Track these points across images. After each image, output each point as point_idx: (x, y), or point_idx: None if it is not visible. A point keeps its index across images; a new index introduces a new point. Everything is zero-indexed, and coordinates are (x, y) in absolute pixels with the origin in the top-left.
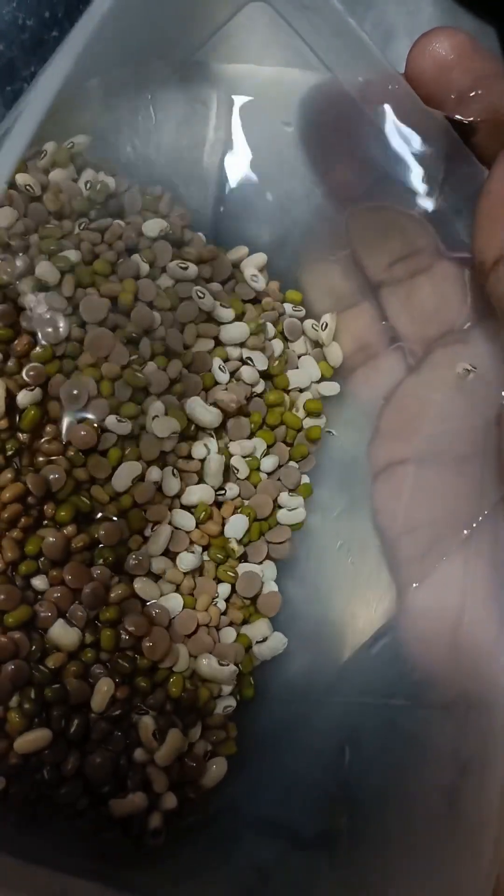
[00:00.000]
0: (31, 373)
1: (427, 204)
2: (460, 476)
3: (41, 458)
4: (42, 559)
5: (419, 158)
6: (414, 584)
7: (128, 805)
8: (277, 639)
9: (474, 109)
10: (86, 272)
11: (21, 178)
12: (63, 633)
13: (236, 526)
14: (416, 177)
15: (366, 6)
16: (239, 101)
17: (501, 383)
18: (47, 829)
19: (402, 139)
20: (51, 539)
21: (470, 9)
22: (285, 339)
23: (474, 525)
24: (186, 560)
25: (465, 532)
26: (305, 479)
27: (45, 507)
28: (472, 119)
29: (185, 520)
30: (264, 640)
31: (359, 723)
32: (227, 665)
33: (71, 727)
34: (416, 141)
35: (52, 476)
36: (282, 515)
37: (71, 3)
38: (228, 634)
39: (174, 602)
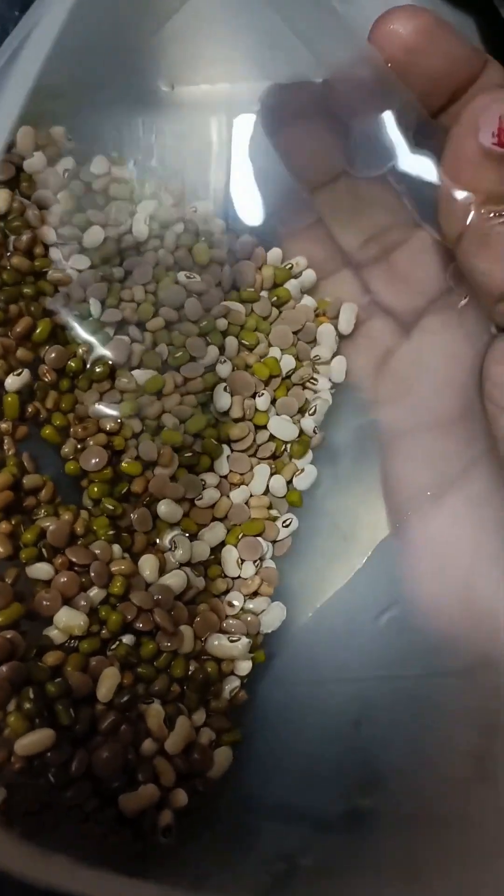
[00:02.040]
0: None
1: (397, 179)
2: (452, 435)
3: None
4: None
5: (387, 136)
6: (419, 547)
7: (139, 799)
8: (277, 609)
9: (442, 91)
10: None
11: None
12: (71, 617)
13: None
14: (385, 155)
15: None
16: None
17: (486, 342)
18: (55, 838)
19: (370, 117)
20: (52, 526)
21: (450, 1)
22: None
23: (468, 478)
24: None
25: (465, 490)
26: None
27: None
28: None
29: None
30: (263, 612)
31: (372, 697)
32: (239, 639)
33: (77, 722)
34: (385, 118)
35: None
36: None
37: None
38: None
39: (178, 580)
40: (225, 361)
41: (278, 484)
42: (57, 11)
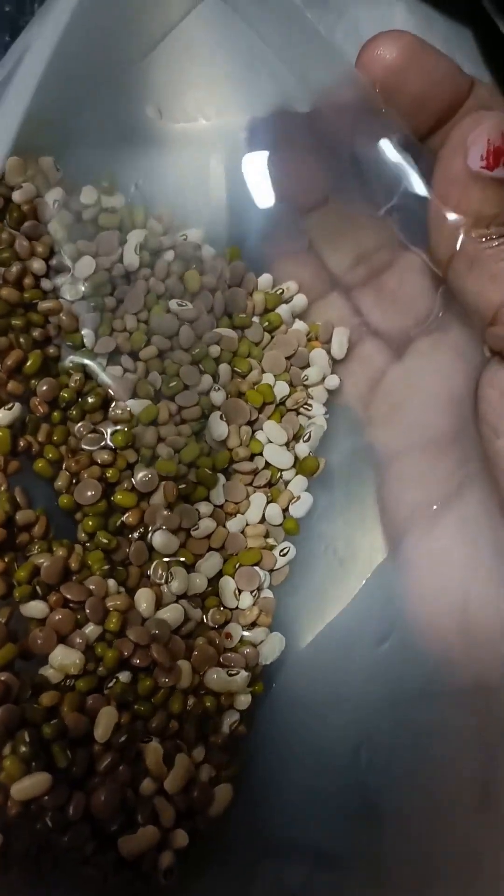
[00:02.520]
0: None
1: (385, 203)
2: (445, 455)
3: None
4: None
5: (375, 160)
6: (416, 568)
7: (139, 841)
8: (276, 639)
9: (429, 114)
10: None
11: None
12: (66, 655)
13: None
14: (373, 178)
15: (337, 14)
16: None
17: (479, 363)
18: (52, 882)
19: (357, 142)
20: (45, 562)
21: (445, 12)
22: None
23: (461, 498)
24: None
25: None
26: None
27: (35, 528)
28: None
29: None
30: (261, 643)
31: (372, 724)
32: (238, 673)
33: (74, 764)
34: (373, 143)
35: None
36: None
37: None
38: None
39: (175, 614)
40: (219, 389)
41: (274, 512)
42: (46, 40)
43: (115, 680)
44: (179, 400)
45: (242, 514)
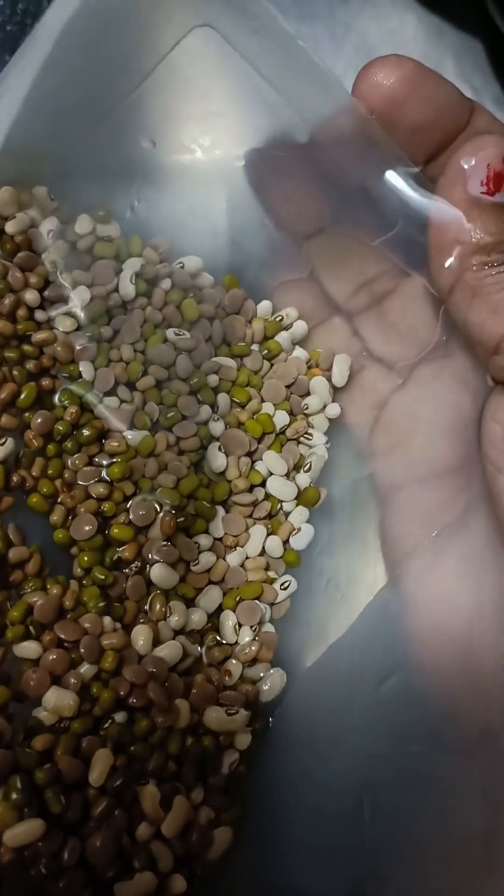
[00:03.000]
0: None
1: (386, 232)
2: (448, 487)
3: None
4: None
5: (375, 189)
6: (418, 606)
7: (136, 888)
8: (277, 675)
9: (429, 141)
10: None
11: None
12: (60, 697)
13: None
14: (374, 207)
15: (345, 28)
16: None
17: (483, 390)
18: None
19: (356, 171)
20: (39, 601)
21: (454, 23)
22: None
23: (464, 532)
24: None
25: (462, 546)
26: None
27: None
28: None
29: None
30: (262, 679)
31: (375, 773)
32: (237, 711)
33: (68, 809)
34: (372, 172)
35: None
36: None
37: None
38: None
39: (173, 650)
40: (218, 419)
41: (274, 544)
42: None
43: (110, 721)
44: (177, 431)
45: (242, 546)
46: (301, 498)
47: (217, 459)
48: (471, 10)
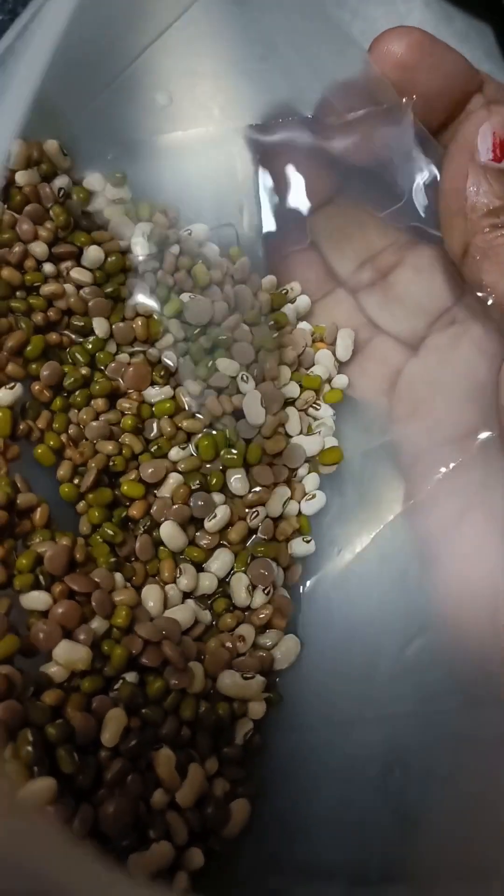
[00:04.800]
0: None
1: (394, 201)
2: (472, 450)
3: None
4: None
5: (385, 155)
6: (445, 567)
7: (151, 859)
8: (291, 642)
9: (439, 110)
10: None
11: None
12: (72, 651)
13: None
14: (381, 176)
15: (353, 13)
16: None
17: (499, 354)
18: None
19: (368, 135)
20: (49, 551)
21: (462, 8)
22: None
23: (487, 492)
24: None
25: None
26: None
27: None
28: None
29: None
30: (275, 645)
31: (403, 736)
32: (253, 677)
33: (80, 771)
34: (383, 139)
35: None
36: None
37: None
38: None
39: (186, 614)
40: (247, 379)
41: (292, 508)
42: (55, 17)
43: (121, 681)
44: (213, 381)
45: (264, 506)
46: (322, 457)
47: (258, 414)
48: None
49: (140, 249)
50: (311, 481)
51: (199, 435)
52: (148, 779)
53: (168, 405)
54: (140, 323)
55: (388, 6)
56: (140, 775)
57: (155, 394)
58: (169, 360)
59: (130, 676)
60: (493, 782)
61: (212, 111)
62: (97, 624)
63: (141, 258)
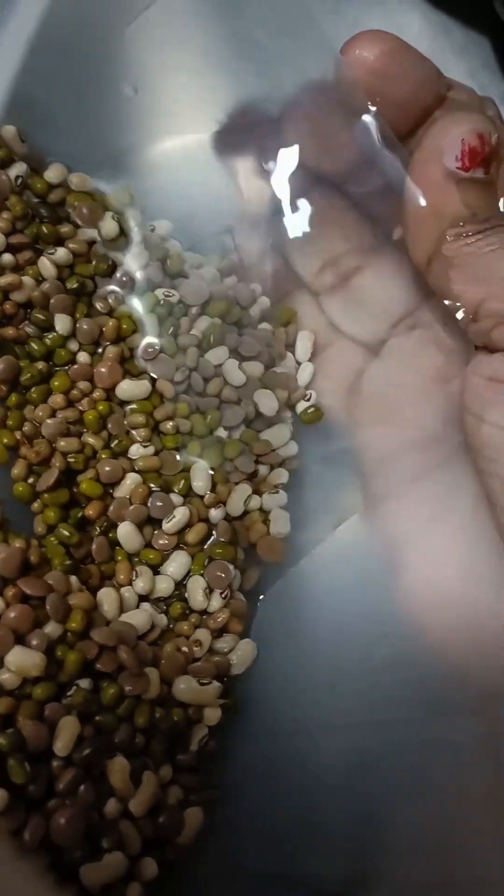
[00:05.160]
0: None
1: (363, 202)
2: (436, 453)
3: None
4: None
5: (353, 159)
6: (413, 572)
7: (104, 870)
8: (248, 647)
9: (408, 116)
10: None
11: None
12: (24, 657)
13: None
14: (348, 180)
15: (351, 23)
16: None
17: (463, 354)
18: None
19: (335, 139)
20: (2, 553)
21: (461, 20)
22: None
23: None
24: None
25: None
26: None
27: None
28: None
29: None
30: (232, 650)
31: (370, 744)
32: (209, 682)
33: (32, 781)
34: (350, 144)
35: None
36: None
37: None
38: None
39: (142, 618)
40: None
41: (256, 505)
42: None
43: (74, 687)
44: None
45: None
46: (304, 416)
47: (269, 402)
48: (477, 6)
49: (107, 244)
50: (276, 475)
51: (171, 423)
52: (101, 788)
53: (146, 404)
54: (111, 324)
55: (387, 18)
56: (93, 784)
57: (128, 388)
58: (146, 355)
59: (84, 683)
60: (460, 791)
61: (183, 106)
62: (51, 628)
63: (108, 252)
